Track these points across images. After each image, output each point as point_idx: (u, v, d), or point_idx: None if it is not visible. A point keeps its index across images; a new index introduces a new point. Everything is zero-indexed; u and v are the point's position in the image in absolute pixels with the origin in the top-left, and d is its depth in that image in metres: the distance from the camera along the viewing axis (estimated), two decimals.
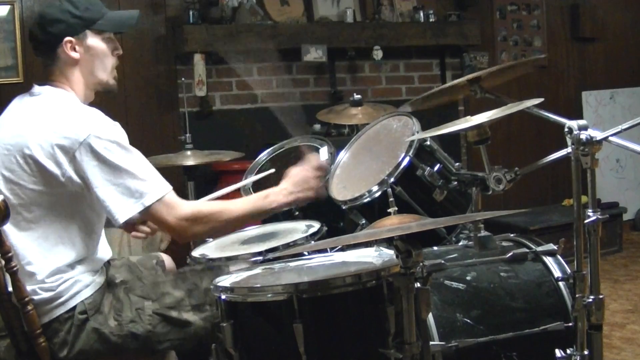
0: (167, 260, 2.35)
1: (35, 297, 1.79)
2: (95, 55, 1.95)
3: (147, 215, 1.82)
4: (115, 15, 2.00)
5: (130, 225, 2.15)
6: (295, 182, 2.05)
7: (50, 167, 1.77)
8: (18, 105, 1.92)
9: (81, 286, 1.84)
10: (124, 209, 1.78)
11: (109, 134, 1.79)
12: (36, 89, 1.92)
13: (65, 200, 1.81)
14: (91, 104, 1.96)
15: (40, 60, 1.96)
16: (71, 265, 1.84)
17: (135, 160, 1.82)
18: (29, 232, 1.81)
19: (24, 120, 1.84)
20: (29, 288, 1.78)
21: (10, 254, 1.72)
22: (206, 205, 1.94)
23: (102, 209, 1.81)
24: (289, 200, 2.03)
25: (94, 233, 1.92)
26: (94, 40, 1.94)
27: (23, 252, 1.80)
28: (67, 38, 1.90)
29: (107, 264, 2.04)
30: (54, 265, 1.82)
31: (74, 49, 1.92)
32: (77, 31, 1.92)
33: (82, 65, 1.93)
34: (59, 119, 1.80)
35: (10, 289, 1.75)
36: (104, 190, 1.77)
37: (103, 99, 2.02)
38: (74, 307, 1.83)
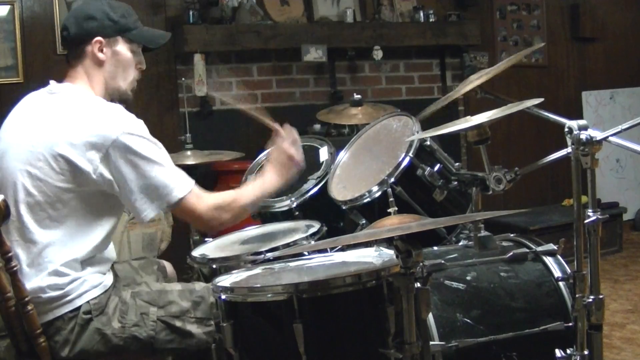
0: (169, 267, 2.36)
1: (43, 295, 1.79)
2: (120, 62, 1.97)
3: (179, 207, 1.85)
4: (148, 31, 2.04)
5: None
6: (278, 164, 2.08)
7: (82, 165, 1.77)
8: (37, 103, 1.92)
9: (89, 286, 1.84)
10: (155, 204, 1.82)
11: (138, 130, 1.82)
12: (54, 87, 1.92)
13: (92, 199, 1.82)
14: None
15: (65, 56, 1.98)
16: (83, 263, 1.84)
17: (164, 155, 1.86)
18: (52, 229, 1.81)
19: (48, 118, 1.84)
20: (40, 285, 1.78)
21: (10, 254, 1.72)
22: (223, 195, 1.96)
23: (131, 204, 1.82)
24: (282, 180, 2.08)
25: (110, 232, 1.93)
26: (122, 48, 1.96)
27: (45, 249, 1.80)
28: (98, 38, 1.92)
29: (113, 265, 2.05)
30: (70, 260, 1.82)
31: (102, 50, 1.93)
32: (109, 34, 1.94)
33: (106, 68, 1.95)
34: (89, 116, 1.81)
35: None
36: (138, 185, 1.79)
37: None
38: (79, 307, 1.83)
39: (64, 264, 1.81)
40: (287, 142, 2.11)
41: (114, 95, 1.98)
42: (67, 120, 1.81)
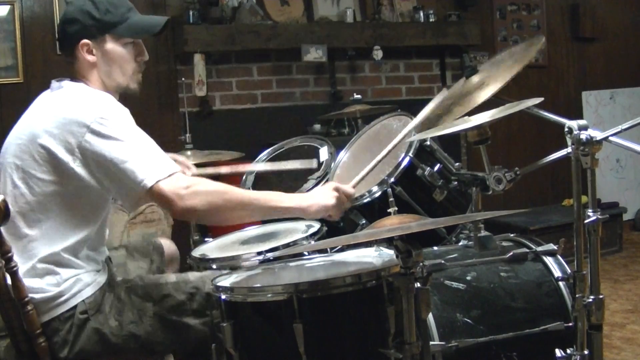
0: (167, 245, 2.34)
1: (37, 296, 1.78)
2: (113, 60, 1.91)
3: (155, 190, 1.74)
4: (139, 21, 1.94)
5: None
6: (320, 194, 1.95)
7: (61, 155, 1.76)
8: (37, 100, 1.92)
9: (82, 285, 1.84)
10: (150, 173, 1.72)
11: (115, 115, 1.77)
12: (55, 84, 1.91)
13: (75, 186, 1.80)
14: None
15: (63, 56, 1.95)
16: (73, 260, 1.84)
17: (146, 140, 1.79)
18: (37, 224, 1.80)
19: (37, 111, 1.85)
20: (31, 285, 1.78)
21: (10, 254, 1.72)
22: (208, 181, 1.83)
23: (121, 187, 1.75)
24: (303, 205, 1.90)
25: (99, 229, 1.91)
26: (112, 45, 1.91)
27: (29, 243, 1.80)
28: (84, 40, 1.88)
29: (110, 261, 2.04)
30: (58, 257, 1.81)
31: (91, 52, 1.89)
32: (94, 34, 1.88)
33: (100, 68, 1.91)
34: (69, 106, 1.79)
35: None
36: (122, 164, 1.72)
37: None
38: (75, 307, 1.83)
39: (52, 260, 1.80)
40: (346, 190, 1.98)
41: (117, 92, 1.95)
42: (48, 111, 1.80)
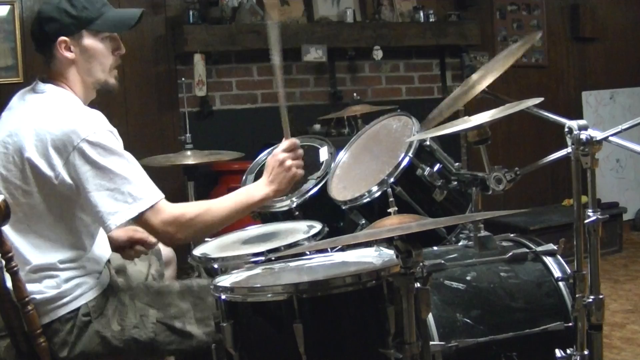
0: (165, 250, 2.34)
1: (37, 296, 1.78)
2: (92, 55, 1.90)
3: (139, 220, 1.80)
4: (115, 15, 1.94)
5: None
6: (271, 170, 2.01)
7: (45, 170, 1.75)
8: (20, 101, 1.89)
9: (86, 288, 1.84)
10: (116, 215, 1.75)
11: (102, 139, 1.76)
12: (40, 86, 1.88)
13: (59, 201, 1.80)
14: (91, 104, 1.94)
15: (41, 57, 1.92)
16: (73, 264, 1.84)
17: (128, 166, 1.79)
18: (25, 232, 1.80)
19: (24, 118, 1.82)
20: (31, 289, 1.77)
21: (10, 254, 1.72)
22: (190, 208, 1.89)
23: (93, 214, 1.78)
24: (271, 189, 1.99)
25: (91, 231, 1.91)
26: (90, 41, 1.89)
27: (20, 252, 1.80)
28: (62, 38, 1.86)
29: (109, 263, 2.04)
30: (53, 264, 1.81)
31: (69, 49, 1.87)
32: (72, 31, 1.87)
33: (79, 65, 1.89)
34: (56, 121, 1.77)
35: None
36: (96, 195, 1.74)
37: (103, 99, 2.01)
38: (78, 309, 1.83)
39: (47, 268, 1.80)
40: (282, 148, 2.03)
41: (96, 88, 1.94)
42: (36, 121, 1.78)
